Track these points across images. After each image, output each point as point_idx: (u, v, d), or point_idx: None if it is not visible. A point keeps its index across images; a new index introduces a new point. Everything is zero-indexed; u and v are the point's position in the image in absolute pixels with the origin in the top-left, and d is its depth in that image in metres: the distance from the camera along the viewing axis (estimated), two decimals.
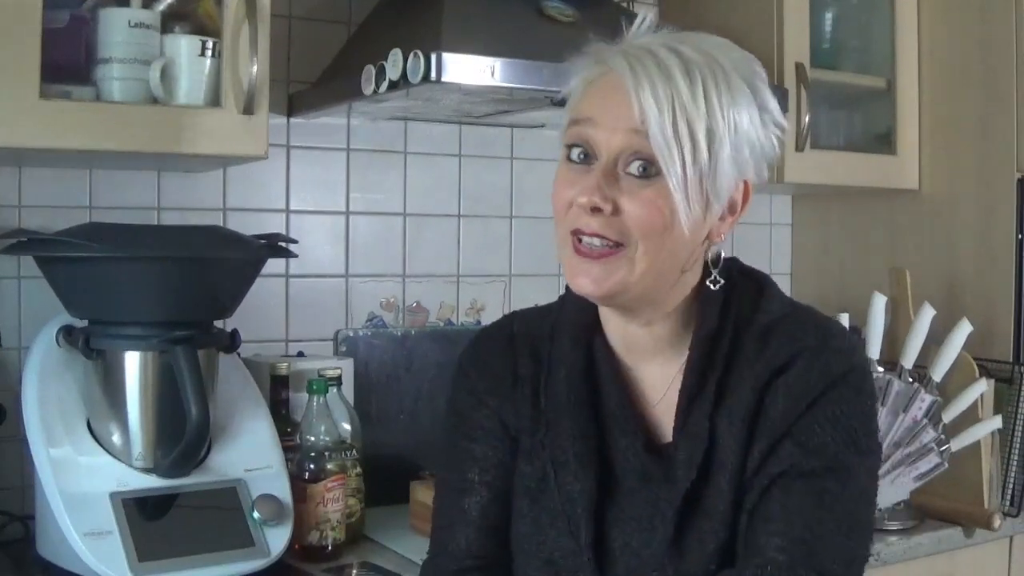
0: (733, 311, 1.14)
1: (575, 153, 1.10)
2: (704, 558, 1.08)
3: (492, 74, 1.66)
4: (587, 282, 1.09)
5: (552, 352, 1.19)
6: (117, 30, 1.57)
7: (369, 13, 1.98)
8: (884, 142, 2.36)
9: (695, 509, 1.09)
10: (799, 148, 2.12)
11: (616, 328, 1.17)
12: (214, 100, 1.63)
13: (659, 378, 1.16)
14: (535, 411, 1.18)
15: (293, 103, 1.98)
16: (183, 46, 1.61)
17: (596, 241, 1.08)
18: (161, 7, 1.62)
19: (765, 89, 1.10)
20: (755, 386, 1.09)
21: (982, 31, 2.22)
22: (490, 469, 1.20)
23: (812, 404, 1.08)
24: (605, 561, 1.12)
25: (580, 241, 1.09)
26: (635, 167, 1.06)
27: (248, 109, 1.61)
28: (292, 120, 2.01)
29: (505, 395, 1.20)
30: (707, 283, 1.14)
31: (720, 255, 1.15)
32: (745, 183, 1.11)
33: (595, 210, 1.07)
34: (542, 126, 2.24)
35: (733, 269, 1.19)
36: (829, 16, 2.30)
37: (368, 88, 1.71)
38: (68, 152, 1.58)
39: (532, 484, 1.17)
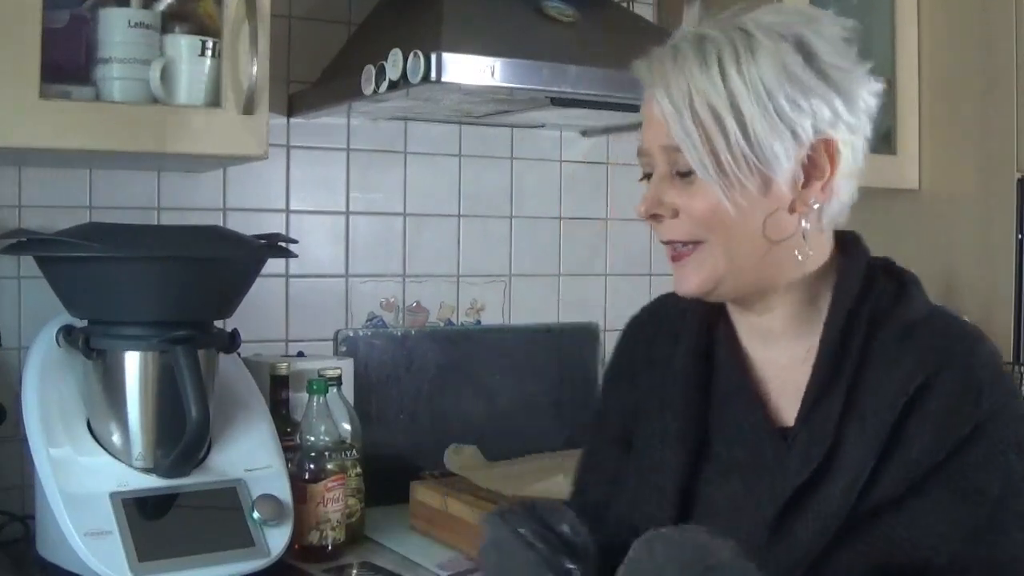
0: (870, 302, 1.10)
1: (643, 172, 1.14)
2: (793, 560, 1.02)
3: (492, 74, 1.66)
4: (680, 282, 1.12)
5: (680, 332, 1.20)
6: (117, 30, 1.57)
7: (369, 13, 1.98)
8: (884, 142, 2.35)
9: (798, 506, 1.03)
10: None
11: (738, 318, 1.17)
12: (214, 100, 1.63)
13: (783, 362, 1.13)
14: (660, 390, 1.18)
15: (293, 103, 1.98)
16: (183, 46, 1.61)
17: (677, 245, 1.11)
18: (161, 7, 1.62)
19: (817, 37, 1.06)
20: (894, 403, 1.02)
21: (982, 31, 2.22)
22: (607, 451, 1.23)
23: (964, 443, 1.01)
24: None
25: (668, 246, 1.13)
26: (676, 169, 1.08)
27: (248, 109, 1.61)
28: (292, 120, 2.01)
29: (632, 380, 1.23)
30: (796, 254, 1.10)
31: (804, 227, 1.10)
32: (826, 143, 1.06)
33: (653, 217, 1.10)
34: (542, 126, 2.24)
35: (878, 265, 1.17)
36: None
37: (368, 88, 1.71)
38: (68, 152, 1.58)
39: (638, 458, 1.17)
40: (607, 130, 2.30)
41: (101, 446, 1.58)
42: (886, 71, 2.34)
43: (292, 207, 2.03)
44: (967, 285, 2.25)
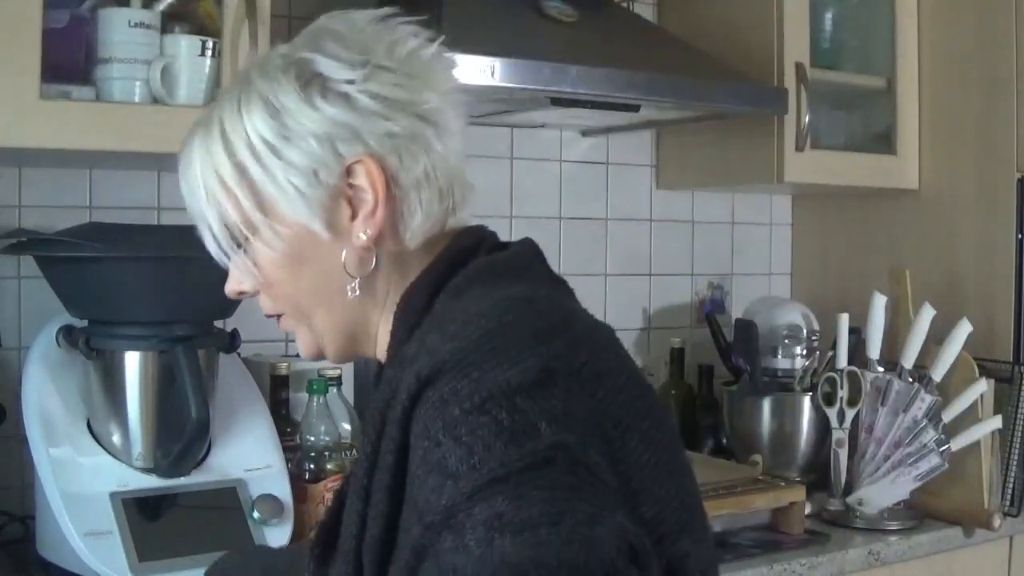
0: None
1: None
2: None
3: (492, 74, 1.66)
4: (300, 347, 1.05)
5: None
6: (117, 30, 1.57)
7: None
8: (884, 142, 2.36)
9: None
10: (799, 148, 2.12)
11: None
12: (214, 100, 1.62)
13: None
14: None
15: None
16: (183, 46, 1.61)
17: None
18: (161, 7, 1.62)
19: (324, 51, 0.91)
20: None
21: (982, 31, 2.22)
22: None
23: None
24: None
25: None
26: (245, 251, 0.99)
27: None
28: None
29: None
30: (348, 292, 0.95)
31: (355, 259, 0.94)
32: (361, 162, 0.90)
33: (240, 294, 1.04)
34: (542, 126, 2.24)
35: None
36: (829, 16, 2.30)
37: None
38: (68, 152, 1.58)
39: None
40: (607, 130, 2.30)
41: (101, 446, 1.58)
42: (886, 71, 2.34)
43: None
44: (967, 285, 2.25)
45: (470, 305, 0.85)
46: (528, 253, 0.98)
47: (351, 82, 0.90)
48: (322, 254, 0.94)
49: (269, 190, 0.92)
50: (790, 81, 2.12)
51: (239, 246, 0.96)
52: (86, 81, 1.58)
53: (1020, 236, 2.18)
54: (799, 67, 2.13)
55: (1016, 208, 2.18)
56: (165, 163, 1.83)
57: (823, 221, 2.59)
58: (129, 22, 1.57)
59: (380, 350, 0.99)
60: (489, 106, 1.93)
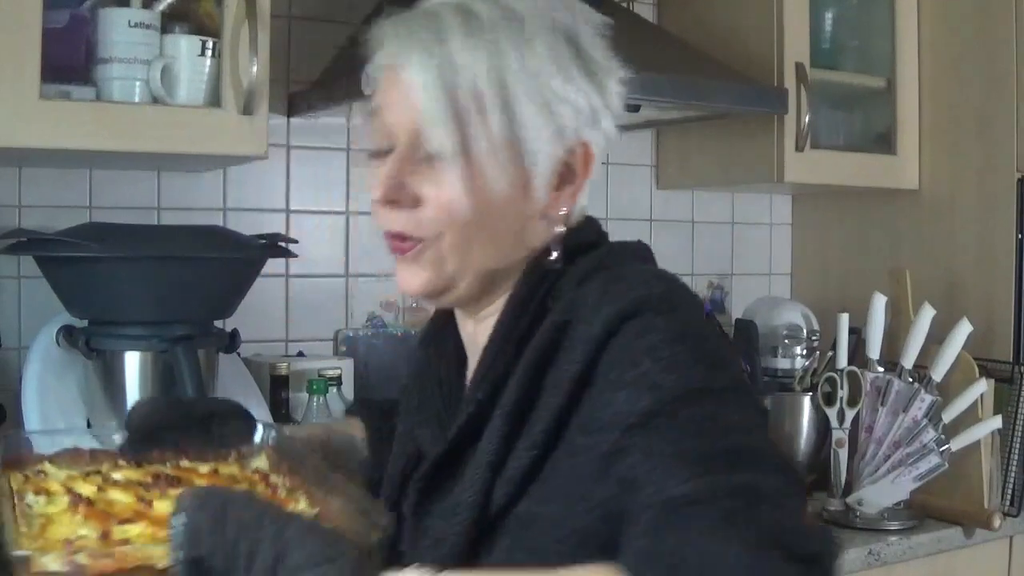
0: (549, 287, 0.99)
1: (375, 146, 1.00)
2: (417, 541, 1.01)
3: None
4: (404, 281, 1.00)
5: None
6: (117, 30, 1.57)
7: (369, 13, 1.98)
8: (884, 142, 2.36)
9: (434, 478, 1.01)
10: (799, 148, 2.12)
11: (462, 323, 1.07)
12: (214, 100, 1.63)
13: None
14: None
15: (293, 103, 1.98)
16: (183, 46, 1.61)
17: (404, 238, 0.98)
18: (161, 7, 1.62)
19: (588, 38, 0.97)
20: (523, 375, 0.94)
21: (982, 31, 2.22)
22: None
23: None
24: None
25: (392, 239, 0.99)
26: (423, 149, 0.95)
27: (248, 109, 1.61)
28: (292, 120, 2.01)
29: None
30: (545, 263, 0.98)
31: (560, 235, 0.99)
32: (584, 145, 0.97)
33: (390, 203, 0.97)
34: None
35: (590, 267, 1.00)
36: (829, 16, 2.30)
37: (368, 88, 1.71)
38: (68, 152, 1.58)
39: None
40: None
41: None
42: (886, 71, 2.34)
43: (292, 207, 2.03)
44: (967, 285, 2.25)
45: (637, 270, 0.97)
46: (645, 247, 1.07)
47: (604, 68, 0.97)
48: (516, 207, 0.96)
49: (521, 131, 0.94)
50: (790, 81, 2.12)
51: (460, 156, 0.94)
52: (86, 81, 1.58)
53: (1020, 236, 2.18)
54: (799, 67, 2.13)
55: (1016, 208, 2.17)
56: (165, 163, 1.83)
57: (823, 221, 2.59)
58: (129, 22, 1.57)
59: (485, 303, 1.01)
60: None
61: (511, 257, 0.99)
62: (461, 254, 0.96)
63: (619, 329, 0.87)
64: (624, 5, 2.20)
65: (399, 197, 0.96)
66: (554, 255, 0.98)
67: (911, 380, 2.01)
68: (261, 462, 1.09)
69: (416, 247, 0.97)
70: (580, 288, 0.94)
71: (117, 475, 1.03)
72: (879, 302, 2.08)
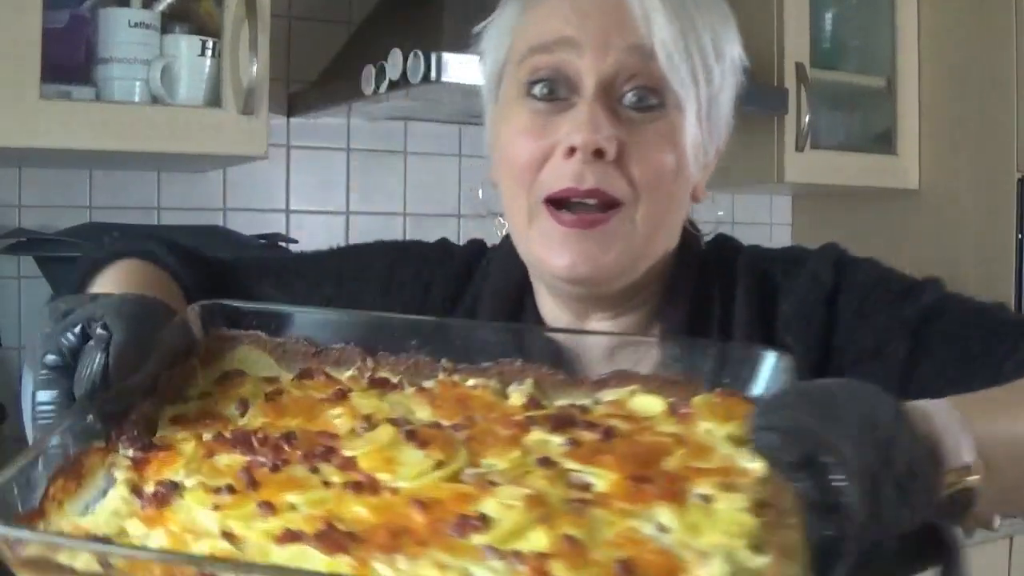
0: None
1: (538, 89, 0.85)
2: None
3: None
4: (579, 261, 0.84)
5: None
6: (117, 30, 1.57)
7: (369, 13, 1.98)
8: (884, 142, 2.36)
9: None
10: (799, 148, 2.13)
11: (561, 318, 0.93)
12: (214, 100, 1.63)
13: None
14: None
15: (293, 103, 1.98)
16: (183, 46, 1.61)
17: (590, 201, 0.84)
18: (161, 7, 1.62)
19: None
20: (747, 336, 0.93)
21: (982, 31, 2.22)
22: None
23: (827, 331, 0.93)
24: None
25: (561, 208, 0.84)
26: (631, 96, 0.84)
27: (248, 109, 1.61)
28: (292, 120, 2.01)
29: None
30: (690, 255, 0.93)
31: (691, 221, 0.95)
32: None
33: (597, 154, 0.82)
34: None
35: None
36: (829, 16, 2.30)
37: (368, 88, 1.71)
38: (68, 152, 1.58)
39: None
40: None
41: None
42: (886, 71, 2.34)
43: (292, 207, 2.03)
44: (967, 285, 2.24)
45: (789, 246, 1.06)
46: None
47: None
48: (692, 172, 0.88)
49: (720, 96, 0.89)
50: (790, 81, 2.12)
51: (680, 110, 0.86)
52: (86, 81, 1.58)
53: (1020, 236, 2.18)
54: (799, 67, 2.13)
55: (1016, 208, 2.17)
56: (165, 163, 1.83)
57: (823, 221, 2.59)
58: (129, 22, 1.58)
59: (633, 295, 0.91)
60: None
61: (675, 240, 0.92)
62: (653, 226, 0.86)
63: (844, 273, 0.92)
64: None
65: (607, 147, 0.82)
66: (705, 238, 0.96)
67: None
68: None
69: (610, 213, 0.84)
70: (745, 265, 0.94)
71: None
72: None
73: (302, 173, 2.05)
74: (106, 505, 0.61)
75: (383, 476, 0.62)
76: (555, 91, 0.85)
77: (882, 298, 0.91)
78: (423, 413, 0.72)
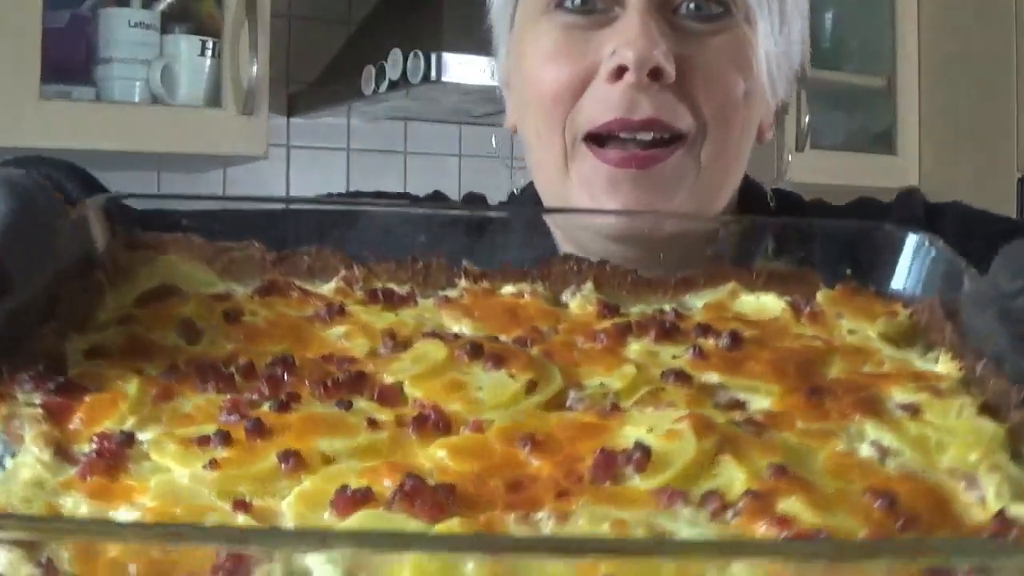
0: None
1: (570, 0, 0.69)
2: None
3: (492, 74, 1.65)
4: (640, 193, 0.67)
5: None
6: (117, 30, 1.57)
7: (369, 13, 1.98)
8: (884, 142, 2.36)
9: None
10: (799, 148, 2.13)
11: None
12: (214, 100, 1.63)
13: None
14: None
15: (293, 103, 1.98)
16: (183, 46, 1.61)
17: (644, 136, 0.67)
18: (161, 7, 1.62)
19: None
20: None
21: (982, 31, 2.22)
22: None
23: None
24: None
25: (604, 145, 0.67)
26: (690, 3, 0.69)
27: (248, 109, 1.61)
28: (292, 120, 2.01)
29: None
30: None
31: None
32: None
33: (654, 75, 0.65)
34: None
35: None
36: (829, 16, 2.30)
37: (368, 88, 1.71)
38: (68, 152, 1.58)
39: None
40: None
41: None
42: (886, 71, 2.34)
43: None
44: None
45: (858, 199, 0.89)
46: None
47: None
48: (765, 101, 0.76)
49: (794, 22, 0.79)
50: None
51: (750, 24, 0.72)
52: (86, 81, 1.58)
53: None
54: (799, 67, 2.13)
55: (1016, 208, 2.17)
56: (165, 163, 1.83)
57: None
58: (129, 22, 1.58)
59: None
60: (489, 106, 1.93)
61: (736, 186, 0.76)
62: (723, 168, 0.72)
63: (935, 209, 0.80)
64: None
65: (666, 66, 0.66)
66: (769, 194, 0.79)
67: None
68: None
69: (673, 148, 0.68)
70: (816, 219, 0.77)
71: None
72: None
73: (302, 173, 2.05)
74: (15, 475, 0.40)
75: (454, 408, 0.46)
76: (588, 1, 0.68)
77: (981, 227, 0.76)
78: (463, 328, 0.54)
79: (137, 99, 1.58)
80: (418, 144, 2.15)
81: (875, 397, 0.48)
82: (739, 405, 0.48)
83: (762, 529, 0.38)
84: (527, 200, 0.78)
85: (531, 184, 0.77)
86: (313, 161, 2.06)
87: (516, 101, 0.76)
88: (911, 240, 0.57)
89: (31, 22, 1.46)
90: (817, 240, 0.60)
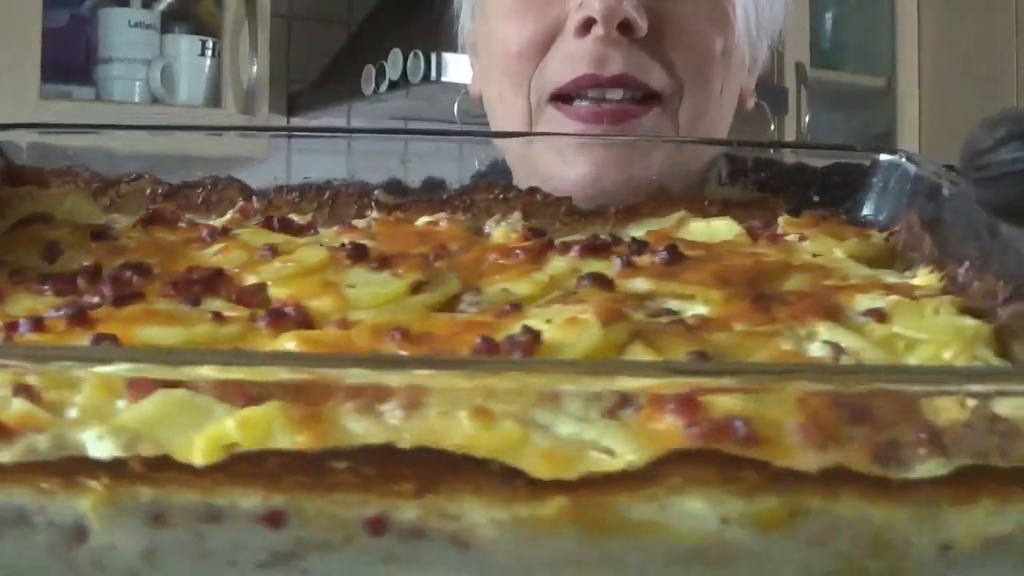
0: None
1: None
2: None
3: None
4: (604, 172, 0.60)
5: None
6: (117, 30, 1.57)
7: (369, 13, 1.98)
8: (884, 142, 2.36)
9: None
10: None
11: None
12: (214, 100, 1.63)
13: None
14: None
15: (293, 103, 1.98)
16: (183, 46, 1.61)
17: (614, 95, 0.63)
18: (161, 7, 1.62)
19: None
20: None
21: (982, 31, 2.22)
22: None
23: None
24: None
25: (572, 103, 0.63)
26: None
27: (248, 109, 1.61)
28: (292, 120, 2.01)
29: None
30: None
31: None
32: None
33: (624, 28, 0.61)
34: None
35: None
36: (829, 16, 2.30)
37: (368, 88, 1.71)
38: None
39: None
40: None
41: None
42: (886, 71, 2.34)
43: None
44: None
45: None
46: None
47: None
48: (744, 61, 0.72)
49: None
50: (790, 81, 2.12)
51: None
52: (86, 81, 1.58)
53: None
54: (799, 67, 2.13)
55: None
56: (165, 163, 1.83)
57: None
58: (129, 22, 1.58)
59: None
60: None
61: (731, 106, 0.71)
62: (705, 127, 0.66)
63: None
64: None
65: (636, 18, 0.61)
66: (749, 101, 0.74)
67: None
68: None
69: (647, 107, 0.63)
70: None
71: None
72: None
73: (302, 173, 2.04)
74: None
75: (320, 304, 0.40)
76: None
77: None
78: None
79: (137, 99, 1.58)
80: (418, 144, 2.15)
81: (835, 304, 0.40)
82: (671, 313, 0.40)
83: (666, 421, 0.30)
84: (498, 175, 0.73)
85: (503, 160, 0.72)
86: (313, 161, 2.05)
87: (481, 65, 0.72)
88: (884, 161, 0.50)
89: (31, 22, 1.46)
90: (779, 168, 0.52)
